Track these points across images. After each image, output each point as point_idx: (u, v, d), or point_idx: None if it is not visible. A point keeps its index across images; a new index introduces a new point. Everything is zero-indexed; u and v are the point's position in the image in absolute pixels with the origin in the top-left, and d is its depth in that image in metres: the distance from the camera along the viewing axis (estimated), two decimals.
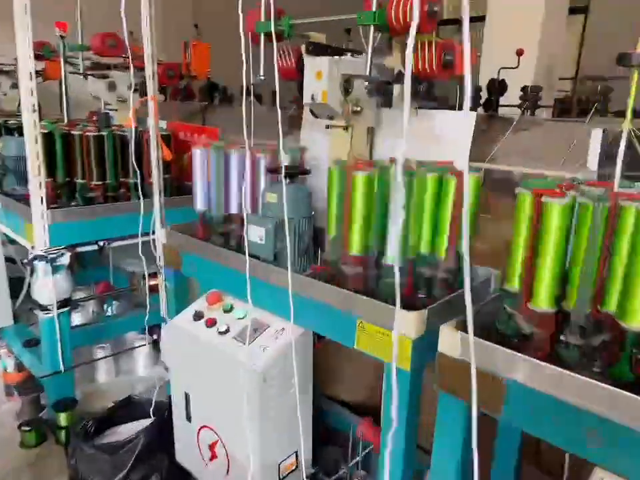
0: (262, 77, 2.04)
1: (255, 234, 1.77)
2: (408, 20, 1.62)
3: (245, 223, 1.81)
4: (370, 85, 1.90)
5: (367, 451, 1.98)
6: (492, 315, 1.42)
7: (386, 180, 1.55)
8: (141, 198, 2.31)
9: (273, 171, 1.82)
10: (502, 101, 3.32)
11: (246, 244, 1.63)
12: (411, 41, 0.78)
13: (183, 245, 2.11)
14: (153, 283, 2.53)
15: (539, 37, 4.12)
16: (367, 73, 1.73)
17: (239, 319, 1.83)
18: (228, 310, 1.88)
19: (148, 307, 2.33)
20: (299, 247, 1.81)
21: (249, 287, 1.59)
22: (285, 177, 1.78)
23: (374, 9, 1.66)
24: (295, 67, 2.13)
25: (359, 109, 1.90)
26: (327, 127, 2.01)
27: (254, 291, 1.81)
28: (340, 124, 1.94)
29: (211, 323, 1.83)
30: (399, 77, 1.70)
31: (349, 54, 2.02)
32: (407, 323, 1.41)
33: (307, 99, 1.88)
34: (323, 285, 1.60)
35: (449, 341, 1.32)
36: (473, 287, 1.69)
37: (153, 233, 2.29)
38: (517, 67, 3.26)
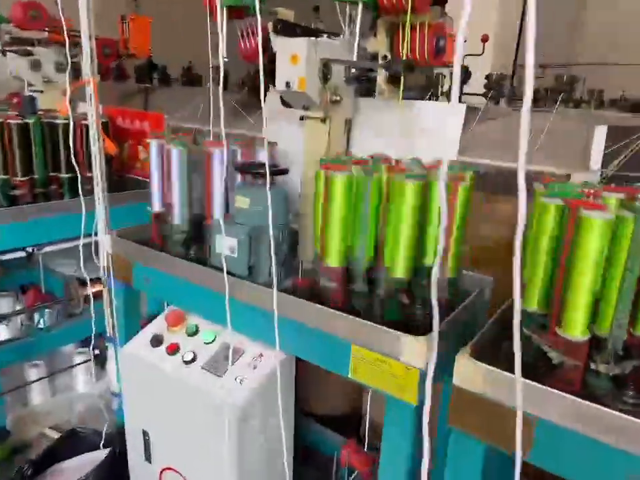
0: (225, 58, 1.76)
1: (225, 245, 1.51)
2: None
3: (212, 232, 1.55)
4: (351, 72, 1.67)
5: (352, 478, 1.80)
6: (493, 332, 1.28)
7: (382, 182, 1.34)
8: (81, 196, 1.96)
9: (244, 169, 1.56)
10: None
11: (223, 259, 1.37)
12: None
13: (135, 255, 1.81)
14: (93, 290, 2.20)
15: (497, 23, 4.04)
16: (354, 58, 1.50)
17: (206, 343, 1.57)
18: (193, 333, 1.61)
19: (93, 320, 2.01)
20: (276, 259, 1.57)
21: (228, 311, 1.34)
22: (258, 176, 1.54)
23: None
24: (262, 47, 1.85)
25: (338, 98, 1.67)
26: (302, 118, 1.76)
27: (222, 310, 1.56)
28: (317, 115, 1.70)
29: (173, 350, 1.56)
30: (395, 63, 1.48)
31: (324, 35, 1.78)
32: (414, 350, 1.22)
33: (280, 86, 1.62)
34: (310, 305, 1.38)
35: (466, 372, 1.15)
36: (472, 301, 1.56)
37: (96, 234, 1.96)
38: (481, 54, 3.14)
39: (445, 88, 2.23)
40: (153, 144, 1.72)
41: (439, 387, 1.32)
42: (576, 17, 6.90)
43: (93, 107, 1.72)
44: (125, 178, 3.01)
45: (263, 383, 1.42)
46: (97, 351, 2.85)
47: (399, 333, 1.24)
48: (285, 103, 1.78)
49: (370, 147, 1.74)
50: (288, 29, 1.82)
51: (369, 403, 2.08)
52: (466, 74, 3.21)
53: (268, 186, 1.27)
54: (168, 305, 1.84)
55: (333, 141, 1.77)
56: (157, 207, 1.81)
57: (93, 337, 2.05)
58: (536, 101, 3.59)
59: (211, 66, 1.82)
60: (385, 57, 1.63)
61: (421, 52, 1.53)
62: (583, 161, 1.89)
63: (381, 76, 1.65)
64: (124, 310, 1.93)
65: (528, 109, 0.66)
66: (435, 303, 0.81)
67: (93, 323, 2.04)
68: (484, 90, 3.17)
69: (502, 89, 3.04)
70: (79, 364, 2.79)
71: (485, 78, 3.07)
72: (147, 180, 2.91)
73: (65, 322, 3.01)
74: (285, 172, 1.56)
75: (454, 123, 1.69)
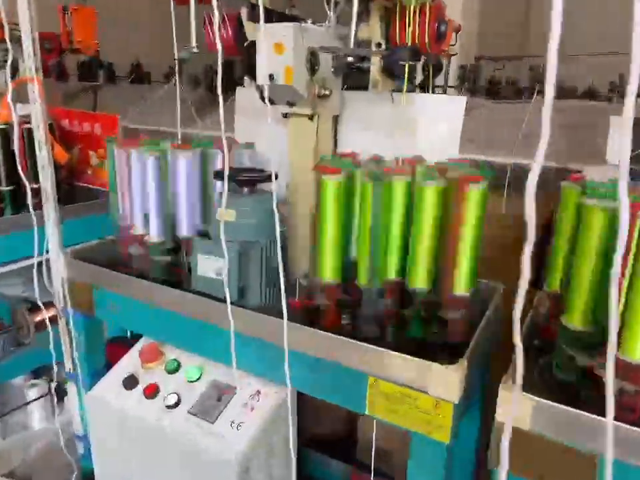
0: (194, 49, 1.53)
1: (209, 267, 1.30)
2: None
3: (192, 252, 1.32)
4: (340, 62, 1.48)
5: None
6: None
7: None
8: (32, 211, 1.65)
9: (226, 176, 1.33)
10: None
11: (225, 279, 1.14)
12: None
13: (97, 279, 1.55)
14: (49, 314, 1.92)
15: (460, 11, 3.95)
16: (352, 45, 1.31)
17: (191, 381, 1.34)
18: (173, 369, 1.38)
19: (52, 347, 1.72)
20: (267, 277, 1.37)
21: (233, 348, 1.11)
22: (244, 184, 1.33)
23: None
24: (232, 37, 1.63)
25: (327, 92, 1.48)
26: (285, 115, 1.56)
27: (208, 341, 1.34)
28: (304, 112, 1.50)
29: (152, 392, 1.32)
30: (402, 52, 1.30)
31: (306, 21, 1.58)
32: (446, 382, 1.06)
33: (261, 79, 1.41)
34: (316, 333, 1.18)
35: (513, 407, 0.99)
36: (490, 315, 1.40)
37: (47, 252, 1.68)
38: (454, 44, 3.02)
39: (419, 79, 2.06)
40: (121, 151, 1.48)
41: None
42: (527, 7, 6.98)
43: (38, 109, 1.45)
44: (74, 187, 2.70)
45: (263, 427, 1.21)
46: (53, 383, 2.56)
47: (427, 362, 1.07)
48: (265, 99, 1.57)
49: (358, 146, 1.57)
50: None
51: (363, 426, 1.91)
52: (438, 66, 3.09)
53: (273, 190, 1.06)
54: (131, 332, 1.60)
55: (321, 140, 1.58)
56: (125, 220, 1.56)
57: (54, 372, 1.75)
58: (497, 93, 3.52)
59: (176, 58, 1.59)
60: (378, 45, 1.45)
61: (421, 38, 1.36)
62: (592, 154, 1.79)
63: (375, 66, 1.47)
64: (85, 343, 1.67)
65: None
66: (519, 349, 0.64)
67: (52, 351, 1.74)
68: (457, 82, 3.06)
69: (477, 80, 2.94)
70: (35, 399, 2.47)
71: (460, 68, 2.95)
72: (101, 189, 2.65)
73: (12, 352, 2.68)
74: (268, 179, 1.36)
75: (454, 117, 1.54)
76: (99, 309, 1.58)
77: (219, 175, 1.35)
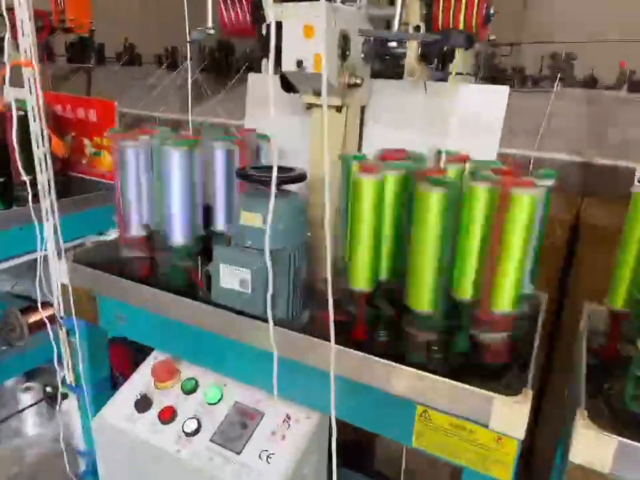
0: (210, 30, 1.37)
1: (231, 277, 1.15)
2: None
3: (214, 260, 1.18)
4: (369, 47, 1.33)
5: None
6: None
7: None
8: (31, 206, 1.47)
9: (251, 177, 1.19)
10: None
11: (268, 295, 1.00)
12: None
13: (102, 286, 1.41)
14: (45, 314, 1.76)
15: None
16: (396, 28, 1.16)
17: (210, 404, 1.21)
18: (190, 390, 1.24)
19: (55, 353, 1.57)
20: (294, 287, 1.23)
21: (275, 374, 0.97)
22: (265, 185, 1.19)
23: None
24: (250, 19, 1.47)
25: (359, 80, 1.33)
26: (309, 106, 1.41)
27: (229, 359, 1.21)
28: (333, 102, 1.35)
29: (169, 416, 1.19)
30: (458, 37, 1.15)
31: (335, 0, 1.43)
32: (511, 415, 0.94)
33: (288, 66, 1.26)
34: (358, 355, 1.05)
35: (591, 447, 0.88)
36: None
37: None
38: None
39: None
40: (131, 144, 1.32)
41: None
42: None
43: (34, 97, 1.28)
44: (69, 177, 2.53)
45: (298, 458, 1.08)
46: (48, 388, 2.42)
47: (489, 392, 0.94)
48: (289, 88, 1.42)
49: (386, 140, 1.42)
50: None
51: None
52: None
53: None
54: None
55: (349, 135, 1.44)
56: (137, 222, 1.41)
57: (60, 384, 1.60)
58: (535, 82, 3.38)
59: (189, 40, 1.43)
60: (417, 28, 1.30)
61: (468, 23, 1.21)
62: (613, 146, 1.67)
63: (412, 51, 1.32)
64: (88, 353, 1.52)
65: None
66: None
67: (54, 359, 1.59)
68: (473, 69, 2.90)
69: (492, 67, 2.80)
70: (30, 406, 2.33)
71: (475, 56, 2.80)
72: (99, 180, 2.48)
73: (4, 351, 2.52)
74: (303, 178, 1.22)
75: (497, 109, 1.40)
76: (103, 319, 1.43)
77: (242, 174, 1.20)
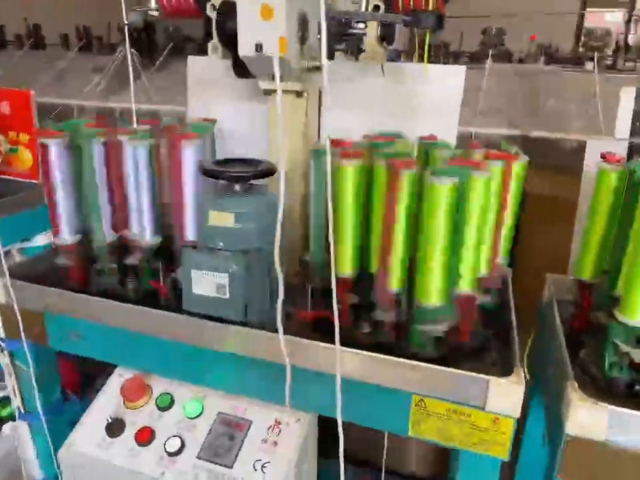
0: (154, 12, 1.24)
1: (205, 283, 1.07)
2: None
3: (183, 266, 1.09)
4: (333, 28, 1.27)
5: None
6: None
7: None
8: None
9: (222, 174, 1.10)
10: None
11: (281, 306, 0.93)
12: None
13: (49, 303, 1.27)
14: None
15: None
16: (363, 8, 1.10)
17: (191, 418, 1.13)
18: (166, 406, 1.15)
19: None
20: (271, 287, 1.17)
21: (288, 384, 0.90)
22: (239, 181, 1.11)
23: None
24: None
25: (318, 63, 1.27)
26: (267, 92, 1.33)
27: (206, 368, 1.14)
28: (294, 87, 1.28)
29: (146, 437, 1.09)
30: (428, 19, 1.10)
31: None
32: (507, 396, 0.95)
33: (246, 51, 1.17)
34: (349, 353, 1.02)
35: (585, 418, 0.91)
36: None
37: None
38: None
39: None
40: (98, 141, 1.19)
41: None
42: None
43: None
44: None
45: (295, 462, 1.04)
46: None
47: (483, 375, 0.95)
48: (242, 73, 1.33)
49: (345, 124, 1.38)
50: None
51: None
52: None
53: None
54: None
55: (310, 121, 1.38)
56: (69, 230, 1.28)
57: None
58: (456, 57, 3.44)
59: (126, 22, 1.29)
60: (376, 7, 1.25)
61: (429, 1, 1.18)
62: (591, 126, 1.74)
63: (373, 32, 1.28)
64: (38, 376, 1.38)
65: None
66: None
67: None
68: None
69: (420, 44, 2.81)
70: None
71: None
72: (16, 179, 2.23)
73: None
74: (272, 172, 1.15)
75: (455, 89, 1.40)
76: (53, 338, 1.30)
77: (208, 171, 1.11)
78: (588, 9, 7.21)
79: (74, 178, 1.28)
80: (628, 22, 7.34)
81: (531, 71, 2.72)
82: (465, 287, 1.05)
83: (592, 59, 2.58)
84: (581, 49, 3.79)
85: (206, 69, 1.65)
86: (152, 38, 3.21)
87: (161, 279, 1.28)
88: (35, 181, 2.12)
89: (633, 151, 1.29)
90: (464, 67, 1.41)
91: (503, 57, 3.78)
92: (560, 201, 1.91)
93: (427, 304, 1.01)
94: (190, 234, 1.30)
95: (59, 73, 3.43)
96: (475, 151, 1.17)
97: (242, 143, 1.59)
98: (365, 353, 1.00)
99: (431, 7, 1.17)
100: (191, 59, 1.70)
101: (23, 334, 1.27)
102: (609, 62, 3.37)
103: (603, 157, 1.11)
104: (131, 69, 1.30)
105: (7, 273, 1.32)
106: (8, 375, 1.39)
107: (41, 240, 2.10)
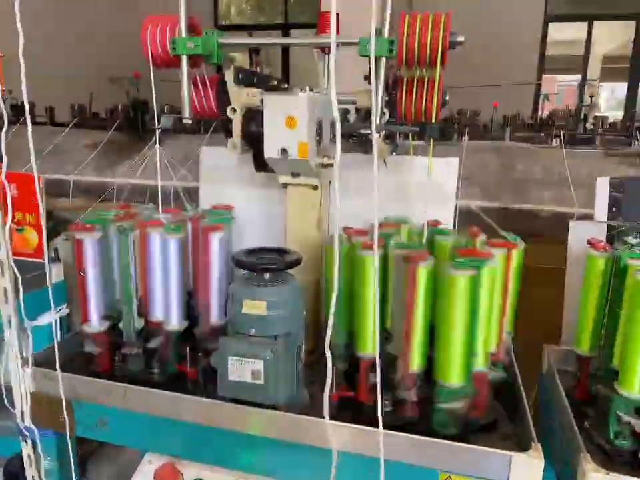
0: (187, 120, 1.38)
1: (240, 369, 1.14)
2: (427, 50, 1.22)
3: (220, 354, 1.16)
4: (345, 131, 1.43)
5: None
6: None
7: None
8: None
9: (256, 265, 1.20)
10: None
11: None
12: None
13: (77, 391, 1.30)
14: None
15: None
16: (377, 122, 1.27)
17: None
18: None
19: None
20: (297, 369, 1.25)
21: (334, 471, 0.95)
22: (269, 271, 1.21)
23: (385, 35, 1.21)
24: (215, 101, 1.50)
25: (332, 162, 1.41)
26: (285, 185, 1.46)
27: (243, 453, 1.19)
28: (311, 182, 1.42)
29: None
30: (433, 131, 1.27)
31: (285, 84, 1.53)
32: (528, 469, 1.04)
33: (271, 154, 1.31)
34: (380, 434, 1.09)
35: None
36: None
37: None
38: None
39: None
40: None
41: None
42: None
43: None
44: None
45: None
46: None
47: (506, 452, 1.04)
48: (262, 167, 1.46)
49: (352, 210, 1.52)
50: (247, 78, 1.51)
51: None
52: None
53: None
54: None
55: (324, 210, 1.51)
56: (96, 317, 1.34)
57: None
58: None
59: (158, 127, 1.41)
60: (382, 113, 1.43)
61: (428, 108, 1.36)
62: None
63: (378, 134, 1.44)
64: (58, 467, 1.38)
65: None
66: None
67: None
68: None
69: None
70: None
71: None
72: (24, 260, 2.27)
73: None
74: (299, 262, 1.25)
75: (449, 178, 1.57)
76: (81, 426, 1.32)
77: (242, 263, 1.20)
78: (544, 75, 7.91)
79: (104, 268, 1.36)
80: (582, 86, 7.94)
81: (504, 147, 2.97)
82: (480, 364, 1.16)
83: (557, 136, 2.84)
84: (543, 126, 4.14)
85: (218, 158, 1.78)
86: (144, 117, 3.36)
87: (188, 363, 1.34)
88: (40, 260, 2.17)
89: (609, 230, 1.47)
90: (457, 159, 1.58)
91: (476, 132, 4.11)
92: (545, 268, 2.07)
93: (448, 384, 1.11)
94: (215, 317, 1.39)
95: (54, 147, 3.53)
96: (478, 238, 1.31)
97: (255, 227, 1.71)
98: (402, 434, 1.07)
99: (427, 111, 1.34)
100: (204, 149, 1.84)
101: (47, 422, 1.29)
102: (571, 132, 3.72)
103: (590, 242, 1.27)
104: (159, 170, 1.41)
105: (32, 360, 1.36)
106: (28, 464, 1.39)
107: (46, 319, 2.12)
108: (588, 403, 1.27)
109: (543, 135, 4.18)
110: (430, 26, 1.20)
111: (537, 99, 7.27)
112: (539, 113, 6.43)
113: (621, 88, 8.37)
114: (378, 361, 0.89)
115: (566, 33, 8.11)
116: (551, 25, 7.38)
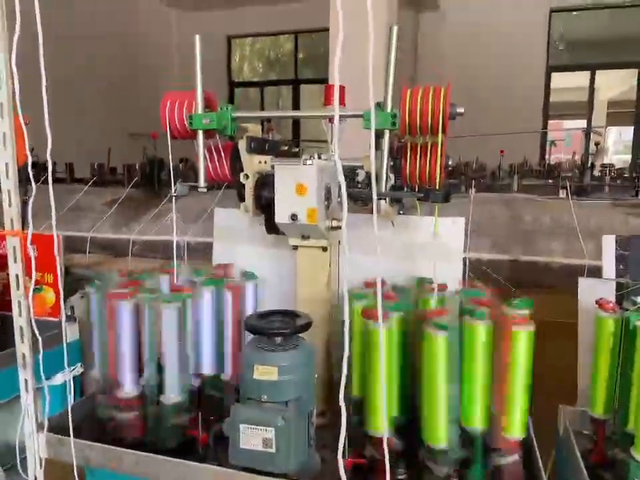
0: (203, 189, 1.44)
1: (252, 437, 1.15)
2: (429, 121, 1.28)
3: (231, 421, 1.17)
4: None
5: None
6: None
7: None
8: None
9: (266, 331, 1.22)
10: None
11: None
12: None
13: (93, 459, 1.31)
14: None
15: None
16: (384, 189, 1.32)
17: None
18: None
19: None
20: (308, 433, 1.25)
21: None
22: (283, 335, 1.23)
23: (388, 108, 1.28)
24: (229, 167, 1.57)
25: (339, 224, 1.46)
26: (295, 247, 1.50)
27: None
28: (321, 244, 1.46)
29: None
30: (438, 196, 1.32)
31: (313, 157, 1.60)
32: None
33: (282, 219, 1.36)
34: None
35: None
36: None
37: None
38: None
39: None
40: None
41: None
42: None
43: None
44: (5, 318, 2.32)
45: None
46: None
47: None
48: (272, 230, 1.51)
49: (361, 268, 1.55)
50: (259, 146, 1.59)
51: None
52: None
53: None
54: None
55: (333, 270, 1.54)
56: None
57: None
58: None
59: (174, 194, 1.48)
60: (387, 178, 1.48)
61: (432, 173, 1.41)
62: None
63: (384, 199, 1.49)
64: None
65: None
66: None
67: None
68: None
69: None
70: None
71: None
72: (42, 319, 2.31)
73: None
74: (310, 325, 1.28)
75: (456, 238, 1.60)
76: None
77: (254, 328, 1.23)
78: (550, 121, 8.05)
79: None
80: (587, 133, 8.04)
81: (512, 199, 3.01)
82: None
83: (564, 187, 2.88)
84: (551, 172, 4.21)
85: (231, 219, 1.84)
86: (160, 174, 3.49)
87: (199, 428, 1.34)
88: (56, 319, 2.21)
89: (618, 288, 1.47)
90: (463, 218, 1.62)
91: (483, 184, 4.18)
92: (557, 323, 2.06)
93: (498, 448, 1.11)
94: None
95: (73, 205, 3.65)
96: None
97: (267, 285, 1.74)
98: None
99: (431, 175, 1.39)
100: (217, 211, 1.91)
101: None
102: (577, 183, 3.77)
103: (598, 303, 1.28)
104: (174, 230, 1.47)
105: (47, 425, 1.38)
106: None
107: (60, 379, 2.14)
108: (605, 467, 1.24)
109: (551, 181, 4.24)
110: (430, 99, 1.26)
111: (544, 145, 7.39)
112: (547, 158, 6.52)
113: (628, 131, 8.49)
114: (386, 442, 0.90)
115: (570, 80, 8.32)
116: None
